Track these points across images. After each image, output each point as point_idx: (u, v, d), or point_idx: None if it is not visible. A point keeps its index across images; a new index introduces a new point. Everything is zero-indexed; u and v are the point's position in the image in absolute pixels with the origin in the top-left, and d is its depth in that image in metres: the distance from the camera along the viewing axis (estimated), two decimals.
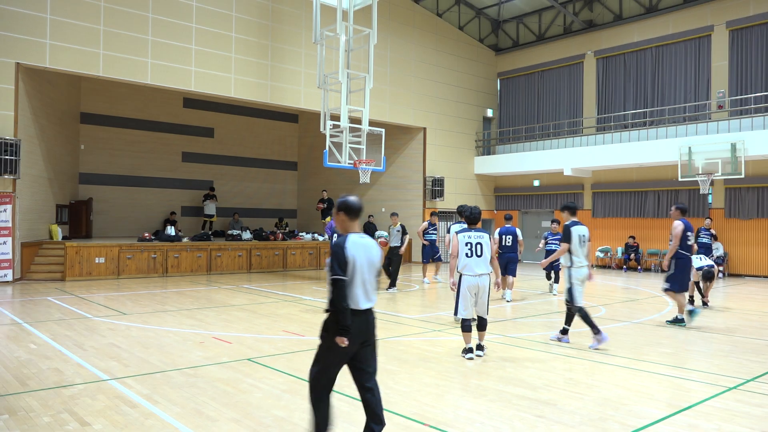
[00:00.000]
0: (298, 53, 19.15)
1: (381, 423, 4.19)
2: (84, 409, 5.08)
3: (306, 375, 6.24)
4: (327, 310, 4.13)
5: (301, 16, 19.21)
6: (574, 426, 4.82)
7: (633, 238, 20.53)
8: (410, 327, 9.25)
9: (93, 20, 15.24)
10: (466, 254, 7.12)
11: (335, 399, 5.45)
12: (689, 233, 9.59)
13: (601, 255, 21.88)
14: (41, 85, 16.21)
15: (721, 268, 18.43)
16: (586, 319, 7.79)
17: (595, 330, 7.73)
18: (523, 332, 8.92)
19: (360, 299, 4.11)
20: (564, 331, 8.19)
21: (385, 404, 5.28)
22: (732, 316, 10.71)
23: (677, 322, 9.67)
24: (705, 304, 11.68)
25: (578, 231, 8.06)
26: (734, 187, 18.69)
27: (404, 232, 14.84)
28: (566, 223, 8.23)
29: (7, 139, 13.87)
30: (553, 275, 13.87)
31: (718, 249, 18.30)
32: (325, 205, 20.57)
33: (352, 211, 4.23)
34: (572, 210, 8.26)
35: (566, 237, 8.03)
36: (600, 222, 22.16)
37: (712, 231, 17.27)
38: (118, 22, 15.62)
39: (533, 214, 24.66)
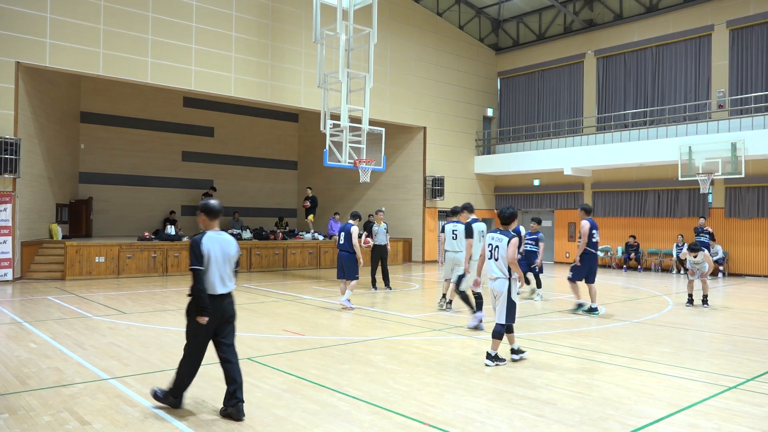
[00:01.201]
0: (298, 52, 19.15)
1: (236, 383, 4.98)
2: (84, 408, 5.08)
3: (307, 375, 6.26)
4: (189, 295, 4.97)
5: (301, 16, 19.20)
6: (574, 425, 4.82)
7: (633, 237, 20.53)
8: (410, 327, 9.25)
9: (93, 19, 15.24)
10: (488, 256, 7.03)
11: (335, 398, 5.46)
12: (594, 231, 10.73)
13: (602, 254, 21.87)
14: (41, 84, 16.20)
15: (721, 268, 18.45)
16: (466, 300, 9.08)
17: (473, 310, 8.93)
18: (523, 332, 8.92)
19: (217, 286, 4.99)
20: (477, 309, 9.07)
21: (385, 403, 5.30)
22: (732, 316, 10.72)
23: (591, 311, 10.55)
24: (705, 302, 11.66)
25: (479, 227, 9.28)
26: (734, 186, 18.69)
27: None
28: (468, 220, 9.37)
29: (7, 139, 13.87)
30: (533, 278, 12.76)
31: (718, 252, 18.29)
32: (309, 204, 20.42)
33: (211, 213, 5.08)
34: (471, 209, 9.69)
35: (469, 233, 9.14)
36: (600, 221, 22.14)
37: (709, 229, 17.29)
38: (119, 22, 15.61)
39: (533, 213, 24.65)
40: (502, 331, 6.84)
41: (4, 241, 14.04)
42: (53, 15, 14.65)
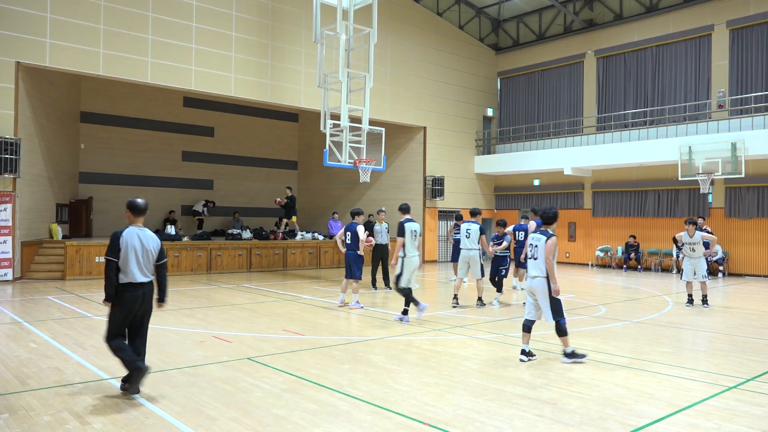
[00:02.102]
0: (298, 52, 19.14)
1: (139, 355, 5.58)
2: (84, 408, 5.08)
3: (307, 375, 6.26)
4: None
5: (301, 16, 19.20)
6: (574, 425, 4.82)
7: (633, 237, 20.53)
8: (410, 326, 9.25)
9: (93, 19, 15.24)
10: (529, 256, 7.21)
11: (335, 398, 5.46)
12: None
13: (602, 254, 21.88)
14: (41, 84, 16.20)
15: (721, 268, 18.44)
16: (408, 297, 9.49)
17: (416, 303, 9.48)
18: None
19: (137, 275, 5.50)
20: (404, 312, 9.58)
21: (385, 403, 5.31)
22: (732, 316, 10.72)
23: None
24: (705, 302, 11.67)
25: (411, 227, 9.68)
26: (734, 186, 18.69)
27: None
28: (401, 220, 9.78)
29: (7, 138, 13.87)
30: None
31: (717, 252, 18.30)
32: (287, 201, 20.27)
33: (135, 210, 5.73)
34: (406, 210, 10.06)
35: (401, 232, 9.60)
36: (600, 221, 22.16)
37: (707, 228, 17.25)
38: (119, 22, 15.61)
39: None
40: (564, 327, 6.94)
41: (4, 241, 14.04)
42: (53, 15, 14.65)
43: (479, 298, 11.42)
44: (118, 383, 5.80)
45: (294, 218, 20.27)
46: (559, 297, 6.99)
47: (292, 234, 20.35)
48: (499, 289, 11.97)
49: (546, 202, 23.81)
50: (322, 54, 16.03)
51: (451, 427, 4.73)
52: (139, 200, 5.77)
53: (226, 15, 17.65)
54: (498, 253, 12.09)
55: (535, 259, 7.06)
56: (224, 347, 7.55)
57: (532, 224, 11.56)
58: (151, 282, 5.64)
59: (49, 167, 17.04)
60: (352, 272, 11.10)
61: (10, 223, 14.09)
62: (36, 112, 15.72)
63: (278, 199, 20.66)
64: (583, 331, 9.08)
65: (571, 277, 17.95)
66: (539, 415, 5.05)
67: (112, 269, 5.39)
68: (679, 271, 19.25)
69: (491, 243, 12.37)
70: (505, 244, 12.09)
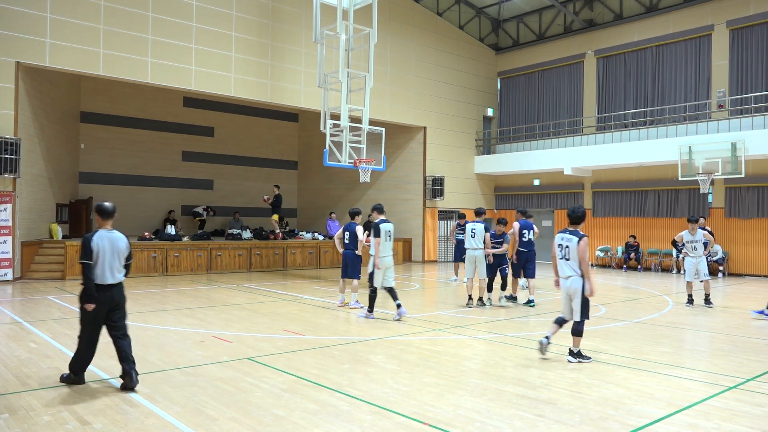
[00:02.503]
0: (298, 52, 19.14)
1: (128, 360, 5.71)
2: (84, 408, 5.08)
3: (307, 375, 6.26)
4: (81, 284, 5.72)
5: (301, 16, 19.20)
6: (574, 425, 4.82)
7: (633, 237, 20.53)
8: (410, 326, 9.25)
9: (93, 19, 15.23)
10: (559, 256, 7.19)
11: (335, 398, 5.46)
12: (525, 231, 11.82)
13: (602, 254, 21.88)
14: (41, 84, 16.20)
15: (721, 268, 18.44)
16: (372, 298, 9.83)
17: (370, 308, 9.83)
18: (523, 332, 8.93)
19: (107, 277, 5.73)
20: (370, 309, 9.93)
21: (385, 403, 5.31)
22: (732, 316, 10.71)
23: (528, 303, 11.46)
24: (708, 302, 11.63)
25: (386, 228, 9.92)
26: (734, 186, 18.69)
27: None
28: (376, 221, 10.00)
29: (7, 138, 13.86)
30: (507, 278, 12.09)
31: (717, 252, 18.30)
32: (272, 200, 20.21)
33: (103, 214, 5.89)
34: (380, 210, 10.25)
35: (377, 232, 9.81)
36: (600, 221, 22.15)
37: (708, 228, 17.25)
38: (119, 22, 15.61)
39: (533, 213, 24.65)
40: (581, 328, 7.02)
41: (4, 241, 14.04)
42: (53, 15, 14.65)
43: (480, 298, 11.44)
44: (118, 383, 5.80)
45: (276, 216, 20.14)
46: (590, 298, 7.02)
47: (274, 233, 20.03)
48: (490, 289, 11.60)
49: (546, 202, 23.82)
50: (322, 54, 16.03)
51: (451, 427, 4.73)
52: (107, 204, 5.97)
53: (226, 15, 17.65)
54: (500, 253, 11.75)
55: (567, 259, 7.05)
56: (224, 347, 7.55)
57: (516, 225, 11.79)
58: (120, 283, 5.87)
59: (49, 167, 17.04)
60: (350, 272, 11.09)
61: (10, 223, 14.09)
62: (36, 112, 15.72)
63: (266, 197, 20.64)
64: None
65: None
66: (539, 415, 5.05)
67: (91, 271, 5.65)
68: (679, 270, 19.33)
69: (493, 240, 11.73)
70: (505, 246, 11.68)
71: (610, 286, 15.83)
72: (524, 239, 11.93)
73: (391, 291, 9.92)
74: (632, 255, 20.44)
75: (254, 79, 18.12)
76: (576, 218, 7.23)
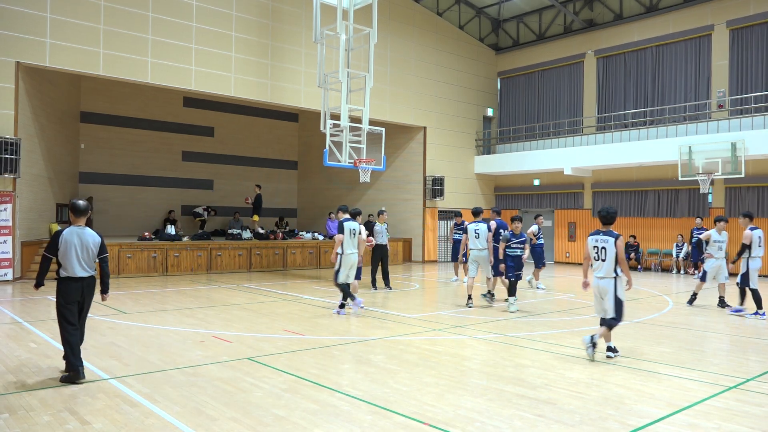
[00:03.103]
0: (298, 52, 19.14)
1: (81, 337, 6.24)
2: (84, 408, 5.08)
3: (307, 375, 6.27)
4: (56, 278, 6.22)
5: (301, 16, 19.20)
6: (574, 425, 4.82)
7: (634, 237, 20.53)
8: (410, 326, 9.25)
9: (93, 19, 15.23)
10: (594, 257, 7.26)
11: (335, 398, 5.46)
12: (501, 230, 11.80)
13: None
14: (41, 84, 16.20)
15: None
16: (345, 291, 10.20)
17: (352, 298, 10.13)
18: (523, 332, 8.93)
19: (76, 270, 6.13)
20: (341, 306, 10.30)
21: (385, 403, 5.31)
22: (732, 316, 10.71)
23: (489, 296, 11.74)
24: (725, 304, 11.38)
25: (349, 226, 10.31)
26: (734, 186, 18.69)
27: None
28: (341, 219, 10.48)
29: (7, 138, 13.86)
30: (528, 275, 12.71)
31: None
32: (253, 200, 20.22)
33: (76, 211, 6.22)
34: (344, 210, 10.76)
35: (340, 230, 10.22)
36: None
37: (705, 228, 17.32)
38: (119, 22, 15.61)
39: (533, 213, 24.64)
40: (615, 324, 7.17)
41: (4, 241, 14.04)
42: (53, 15, 14.65)
43: (489, 291, 11.52)
44: (118, 383, 5.80)
45: (256, 217, 20.11)
46: (622, 298, 7.14)
47: (257, 234, 19.60)
48: (513, 293, 11.05)
49: (546, 202, 23.82)
50: (322, 54, 16.03)
51: (451, 427, 4.74)
52: (80, 202, 6.29)
53: (226, 15, 17.65)
54: (518, 252, 11.13)
55: (603, 260, 7.13)
56: (224, 347, 7.55)
57: (492, 224, 11.64)
58: (91, 276, 6.23)
59: (49, 167, 17.04)
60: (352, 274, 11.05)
61: (10, 223, 14.09)
62: (36, 112, 15.72)
63: (247, 198, 20.67)
64: (583, 331, 9.08)
65: (572, 277, 17.95)
66: (539, 415, 5.05)
67: (46, 262, 6.24)
68: (679, 270, 19.32)
69: (511, 241, 11.32)
70: (527, 247, 11.48)
71: None
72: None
73: (344, 289, 10.31)
74: (632, 255, 20.44)
75: (254, 79, 18.12)
76: (609, 218, 7.29)
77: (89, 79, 20.26)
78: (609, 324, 7.17)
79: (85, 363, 6.61)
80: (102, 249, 6.30)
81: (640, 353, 7.50)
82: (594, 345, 7.08)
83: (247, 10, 18.09)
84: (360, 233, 10.93)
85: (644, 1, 21.26)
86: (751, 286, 10.45)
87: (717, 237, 11.18)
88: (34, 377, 6.05)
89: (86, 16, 15.12)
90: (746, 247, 10.46)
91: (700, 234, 17.69)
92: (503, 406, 5.27)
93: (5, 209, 14.04)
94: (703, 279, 11.50)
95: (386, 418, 4.93)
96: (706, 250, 11.50)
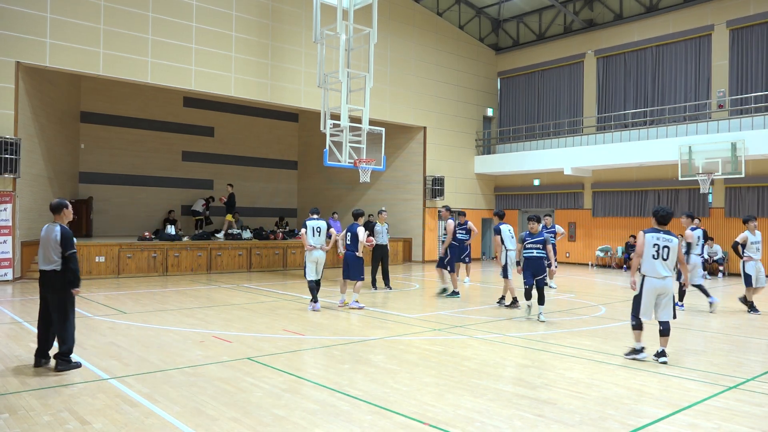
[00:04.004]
0: (298, 52, 19.14)
1: (47, 342, 6.49)
2: (84, 408, 5.08)
3: (307, 375, 6.26)
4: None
5: (301, 16, 19.20)
6: (573, 425, 4.82)
7: (634, 237, 20.52)
8: (410, 326, 9.25)
9: (93, 19, 15.23)
10: (653, 256, 7.04)
11: (335, 398, 5.46)
12: (458, 230, 13.45)
13: (602, 254, 21.88)
14: (41, 84, 16.20)
15: (721, 268, 18.44)
16: (310, 289, 10.72)
17: (313, 299, 10.72)
18: (523, 332, 8.93)
19: (40, 264, 6.37)
20: (314, 300, 10.77)
21: (385, 403, 5.31)
22: (732, 316, 10.71)
23: (446, 293, 12.49)
24: (755, 309, 11.00)
25: (311, 224, 10.91)
26: (734, 186, 18.69)
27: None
28: (306, 220, 11.11)
29: (7, 138, 13.86)
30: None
31: (717, 253, 18.29)
32: (226, 199, 20.19)
33: (50, 209, 6.69)
34: (312, 211, 11.33)
35: (303, 226, 10.99)
36: (600, 221, 22.16)
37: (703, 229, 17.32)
38: (119, 22, 15.61)
39: (533, 213, 24.63)
40: (668, 329, 7.10)
41: (4, 241, 14.04)
42: (53, 15, 14.65)
43: (514, 298, 11.26)
44: (118, 383, 5.80)
45: (228, 216, 20.06)
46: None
47: (230, 234, 19.22)
48: (542, 301, 9.95)
49: (546, 202, 23.82)
50: (322, 54, 16.03)
51: (451, 427, 4.74)
52: (53, 200, 6.72)
53: (226, 15, 17.65)
54: (535, 254, 9.90)
55: (665, 259, 7.00)
56: (224, 347, 7.55)
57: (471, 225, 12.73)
58: (52, 271, 6.32)
59: (49, 167, 17.04)
60: (351, 273, 11.11)
61: (10, 223, 14.09)
62: (36, 112, 15.72)
63: (222, 197, 20.69)
64: (583, 331, 9.09)
65: (572, 276, 17.95)
66: (539, 415, 5.05)
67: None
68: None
69: (527, 241, 10.09)
70: (549, 247, 10.08)
71: (610, 286, 15.83)
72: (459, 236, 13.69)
73: (310, 287, 10.82)
74: (632, 255, 20.40)
75: (254, 79, 18.12)
76: (667, 218, 7.15)
77: (89, 79, 20.26)
78: (669, 330, 7.08)
79: (85, 363, 6.63)
80: (65, 245, 6.30)
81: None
82: (660, 355, 6.99)
83: (247, 10, 18.09)
84: (359, 235, 11.02)
85: (644, 1, 21.26)
86: (698, 283, 11.41)
87: (753, 238, 10.91)
88: (34, 377, 6.05)
89: (86, 16, 15.12)
90: (690, 247, 11.20)
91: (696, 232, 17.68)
92: (503, 406, 5.27)
93: (5, 209, 14.04)
94: (748, 284, 10.88)
95: (386, 418, 4.93)
96: (744, 253, 10.94)
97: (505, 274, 11.59)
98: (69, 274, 6.33)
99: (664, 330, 7.09)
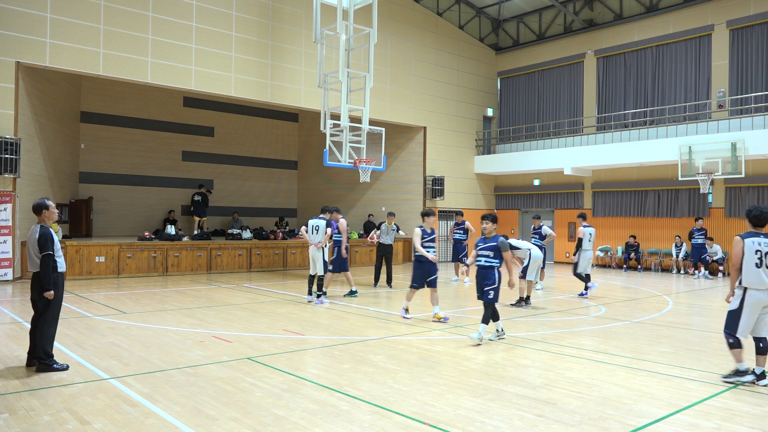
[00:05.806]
0: (298, 52, 19.14)
1: (31, 343, 6.44)
2: (84, 408, 5.08)
3: (307, 375, 6.26)
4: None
5: (301, 15, 19.20)
6: (574, 425, 4.82)
7: (634, 237, 20.53)
8: (410, 326, 9.25)
9: (93, 19, 15.23)
10: (756, 264, 5.91)
11: (335, 398, 5.46)
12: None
13: (602, 254, 21.88)
14: (41, 83, 16.20)
15: (721, 268, 18.44)
16: (310, 284, 11.61)
17: (309, 292, 11.64)
18: (522, 332, 8.93)
19: (29, 266, 6.37)
20: (319, 295, 11.60)
21: (385, 403, 5.31)
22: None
23: (351, 294, 12.72)
24: None
25: (312, 223, 11.60)
26: (734, 186, 18.69)
27: (397, 230, 15.09)
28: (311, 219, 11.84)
29: (7, 138, 13.86)
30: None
31: (717, 253, 18.29)
32: (200, 199, 20.21)
33: (33, 211, 6.61)
34: (323, 209, 12.01)
35: (305, 224, 11.83)
36: (600, 221, 22.14)
37: (705, 230, 17.37)
38: (119, 21, 15.61)
39: (533, 213, 24.63)
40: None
41: (4, 241, 14.04)
42: (53, 15, 14.65)
43: (528, 297, 11.65)
44: (118, 383, 5.80)
45: (196, 217, 20.13)
46: None
47: (202, 235, 18.73)
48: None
49: (546, 202, 23.82)
50: (322, 54, 16.03)
51: (451, 427, 4.74)
52: (34, 202, 6.63)
53: (226, 15, 17.65)
54: (483, 262, 8.60)
55: None
56: (224, 347, 7.55)
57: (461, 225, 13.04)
58: (34, 274, 6.35)
59: (49, 167, 17.04)
60: (317, 267, 11.66)
61: (10, 223, 14.09)
62: (36, 111, 15.72)
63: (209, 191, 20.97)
64: (583, 331, 9.09)
65: (572, 277, 17.93)
66: (539, 415, 5.05)
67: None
68: (680, 270, 19.31)
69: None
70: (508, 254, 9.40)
71: (610, 286, 15.83)
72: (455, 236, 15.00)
73: (309, 281, 11.69)
74: (632, 255, 20.44)
75: (254, 79, 18.12)
76: (762, 218, 6.09)
77: (89, 79, 20.26)
78: (766, 348, 6.01)
79: (85, 363, 6.63)
80: (40, 245, 6.27)
81: (640, 353, 7.50)
82: (760, 377, 6.02)
83: (247, 10, 18.09)
84: (319, 229, 11.65)
85: (644, 1, 21.26)
86: (581, 272, 12.83)
87: None
88: (34, 377, 6.05)
89: (86, 16, 15.12)
90: (581, 242, 12.87)
91: (701, 234, 17.77)
92: (503, 406, 5.27)
93: (5, 209, 14.04)
94: None
95: (386, 418, 4.93)
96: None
97: (523, 275, 11.75)
98: (41, 273, 6.25)
99: (764, 347, 6.03)
